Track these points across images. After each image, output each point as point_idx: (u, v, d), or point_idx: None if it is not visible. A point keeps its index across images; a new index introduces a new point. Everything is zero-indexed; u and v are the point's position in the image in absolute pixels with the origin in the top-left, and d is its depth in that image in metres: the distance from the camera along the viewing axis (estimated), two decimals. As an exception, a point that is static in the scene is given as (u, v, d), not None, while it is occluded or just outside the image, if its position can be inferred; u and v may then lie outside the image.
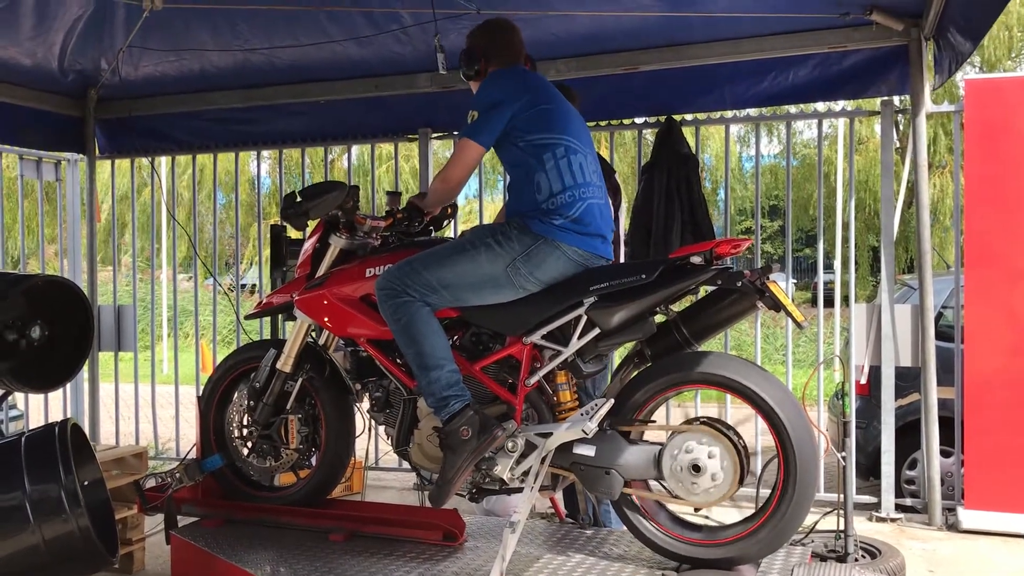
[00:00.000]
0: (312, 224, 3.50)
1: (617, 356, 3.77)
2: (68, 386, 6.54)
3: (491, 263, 3.08)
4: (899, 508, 5.32)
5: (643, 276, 2.95)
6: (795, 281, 23.76)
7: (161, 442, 7.10)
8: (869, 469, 5.66)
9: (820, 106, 5.57)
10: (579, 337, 3.05)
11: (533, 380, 3.12)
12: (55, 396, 6.62)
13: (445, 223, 3.73)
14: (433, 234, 3.68)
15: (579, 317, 3.04)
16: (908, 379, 5.46)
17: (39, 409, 6.72)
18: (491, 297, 3.13)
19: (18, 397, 6.62)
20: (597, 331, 3.03)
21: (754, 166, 20.60)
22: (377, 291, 3.16)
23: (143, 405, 6.84)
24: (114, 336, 6.66)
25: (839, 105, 5.51)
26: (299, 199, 3.18)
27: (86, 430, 6.58)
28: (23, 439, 3.03)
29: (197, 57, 5.80)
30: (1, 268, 6.56)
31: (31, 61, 5.66)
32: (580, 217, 3.10)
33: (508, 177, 3.37)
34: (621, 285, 2.98)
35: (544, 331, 3.09)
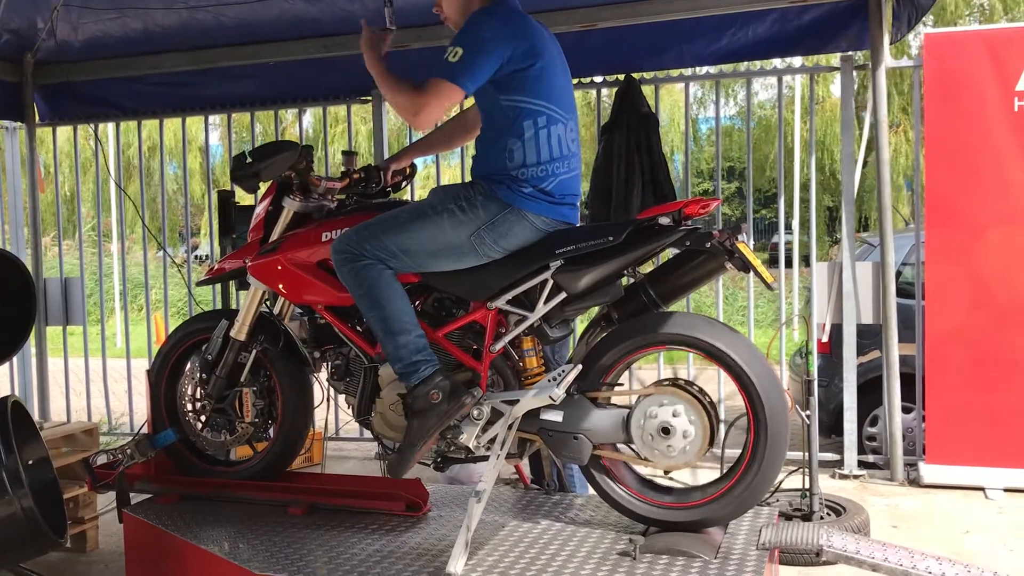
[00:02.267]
0: (264, 187, 3.37)
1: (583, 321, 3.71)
2: (15, 362, 6.36)
3: (454, 230, 2.95)
4: (861, 465, 5.36)
5: (610, 238, 2.87)
6: (754, 242, 23.99)
7: (114, 417, 6.93)
8: (831, 427, 5.69)
9: (779, 63, 5.51)
10: (545, 302, 2.96)
11: (498, 346, 3.03)
12: (1, 372, 6.42)
13: (403, 184, 3.61)
14: (391, 196, 3.57)
15: (545, 281, 2.95)
16: (869, 336, 5.48)
17: (-16, 386, 6.51)
18: (454, 264, 3.01)
19: (-39, 374, 6.42)
20: (564, 295, 2.95)
21: (712, 127, 20.80)
22: (334, 255, 3.03)
23: (94, 380, 6.66)
24: (61, 310, 6.46)
25: (799, 62, 5.46)
26: (249, 160, 3.04)
27: (35, 407, 6.42)
28: (-40, 418, 2.88)
29: (140, 16, 5.58)
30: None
31: (-41, 22, 5.41)
32: (551, 190, 2.98)
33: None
34: (588, 248, 2.89)
35: (509, 296, 3.00)
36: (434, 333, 3.08)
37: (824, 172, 13.95)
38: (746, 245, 2.85)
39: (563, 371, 2.91)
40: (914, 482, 5.11)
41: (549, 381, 2.91)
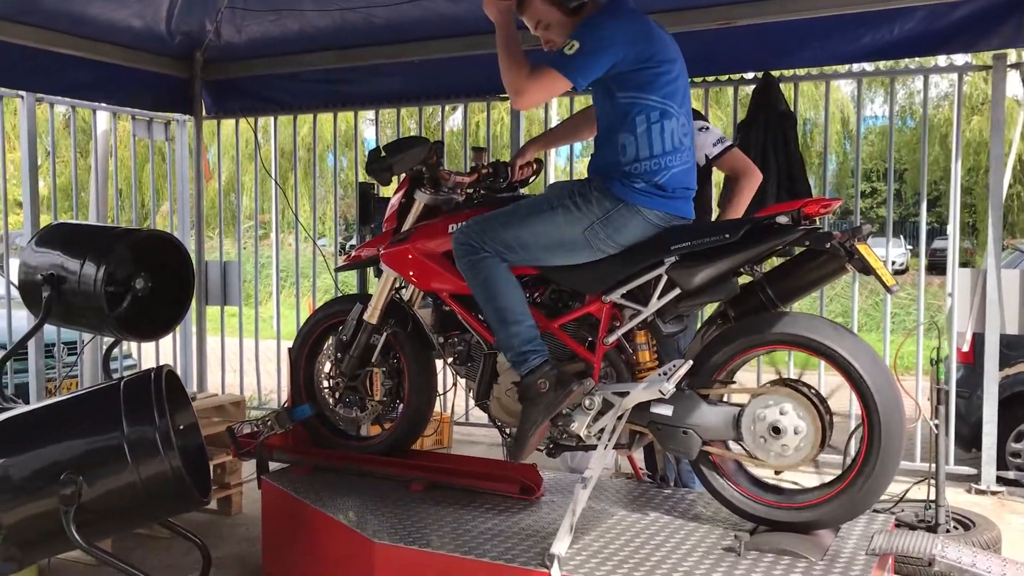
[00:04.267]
0: (398, 180, 3.56)
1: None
2: (177, 338, 6.88)
3: (569, 225, 3.02)
4: (1002, 481, 5.12)
5: (727, 236, 2.88)
6: (910, 248, 22.84)
7: (264, 393, 7.38)
8: (971, 440, 5.45)
9: (925, 61, 5.30)
10: (659, 297, 3.01)
11: (612, 339, 3.10)
12: (166, 348, 6.95)
13: (531, 179, 3.73)
14: (519, 191, 3.69)
15: (659, 277, 2.99)
16: (1017, 348, 5.23)
17: (152, 360, 7.06)
18: (568, 258, 3.09)
19: (132, 347, 6.99)
20: (677, 291, 2.99)
21: (868, 126, 20.00)
22: (454, 247, 3.17)
23: (248, 358, 7.10)
24: (220, 291, 6.93)
25: (945, 60, 5.24)
26: (383, 154, 3.23)
27: (193, 380, 6.92)
28: (122, 384, 3.19)
29: (296, 18, 5.93)
30: (116, 224, 6.90)
31: (141, 23, 5.89)
32: (664, 183, 3.01)
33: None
34: (703, 245, 2.91)
35: (624, 290, 3.06)
36: (550, 324, 3.17)
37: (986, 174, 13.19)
38: (867, 247, 2.82)
39: (674, 366, 2.95)
40: (1059, 502, 4.85)
41: (660, 375, 2.96)
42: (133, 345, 6.88)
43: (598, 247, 3.04)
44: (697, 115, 3.97)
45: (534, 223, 3.07)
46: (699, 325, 3.37)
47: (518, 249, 3.09)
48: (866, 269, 2.81)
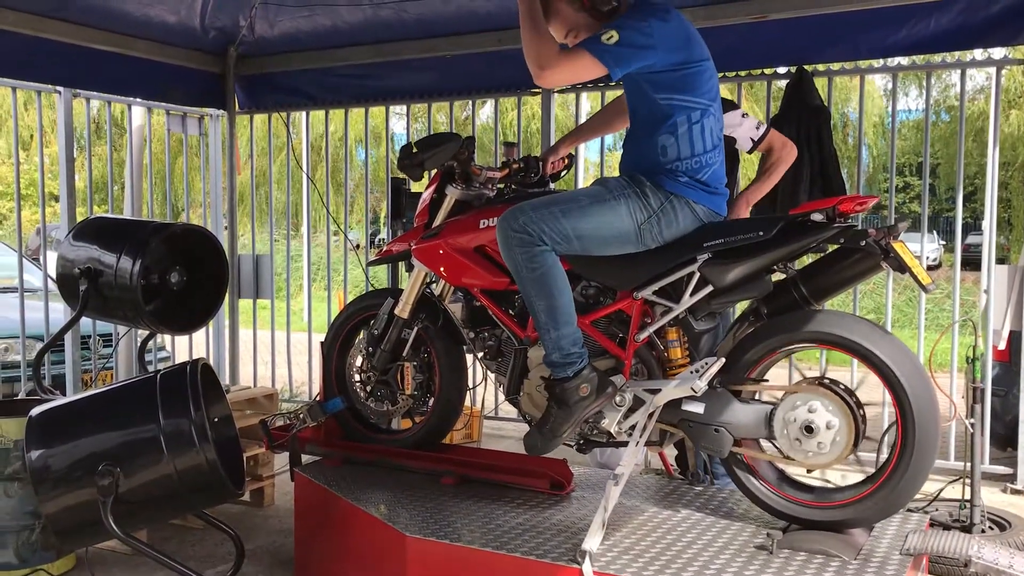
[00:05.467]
0: (429, 175, 3.57)
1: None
2: (211, 331, 6.95)
3: (630, 216, 2.97)
4: (1038, 481, 5.06)
5: (760, 233, 2.87)
6: (943, 243, 22.56)
7: (295, 386, 7.44)
8: (1007, 439, 5.38)
9: (962, 55, 5.23)
10: (691, 294, 3.00)
11: (643, 336, 3.10)
12: (199, 340, 7.03)
13: (563, 174, 3.73)
14: (550, 186, 3.69)
15: (692, 274, 2.98)
16: (1056, 346, 5.14)
17: (185, 352, 7.14)
18: (616, 251, 3.04)
19: (166, 339, 7.07)
20: (710, 288, 2.98)
21: (901, 120, 19.74)
22: (504, 235, 3.01)
23: (280, 351, 7.16)
24: (252, 284, 6.99)
25: (982, 53, 5.16)
26: (415, 150, 3.24)
27: (226, 373, 6.99)
28: (158, 376, 3.24)
29: (328, 13, 5.96)
30: (151, 218, 6.98)
31: (175, 19, 5.95)
32: (707, 180, 3.01)
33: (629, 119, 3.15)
34: (737, 242, 2.90)
35: (656, 287, 3.06)
36: (582, 320, 3.16)
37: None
38: (903, 244, 2.79)
39: (706, 363, 2.94)
40: (1097, 503, 4.78)
41: (692, 372, 2.95)
42: (167, 337, 6.96)
43: (646, 241, 3.01)
44: (732, 104, 3.98)
45: (597, 213, 2.98)
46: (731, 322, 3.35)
47: (574, 240, 2.99)
48: (901, 267, 2.78)
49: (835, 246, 2.93)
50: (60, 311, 5.29)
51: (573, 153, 3.78)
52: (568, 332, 2.99)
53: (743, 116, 4.03)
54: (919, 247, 5.58)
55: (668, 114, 2.97)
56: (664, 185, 2.98)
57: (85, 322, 5.02)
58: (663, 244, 3.03)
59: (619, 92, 3.38)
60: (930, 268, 18.23)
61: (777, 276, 3.02)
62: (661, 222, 2.99)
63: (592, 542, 2.80)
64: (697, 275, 2.98)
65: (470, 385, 4.04)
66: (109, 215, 6.16)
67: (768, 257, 2.89)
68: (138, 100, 6.51)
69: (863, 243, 2.79)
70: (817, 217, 2.85)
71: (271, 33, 6.34)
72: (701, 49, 3.03)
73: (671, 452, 4.12)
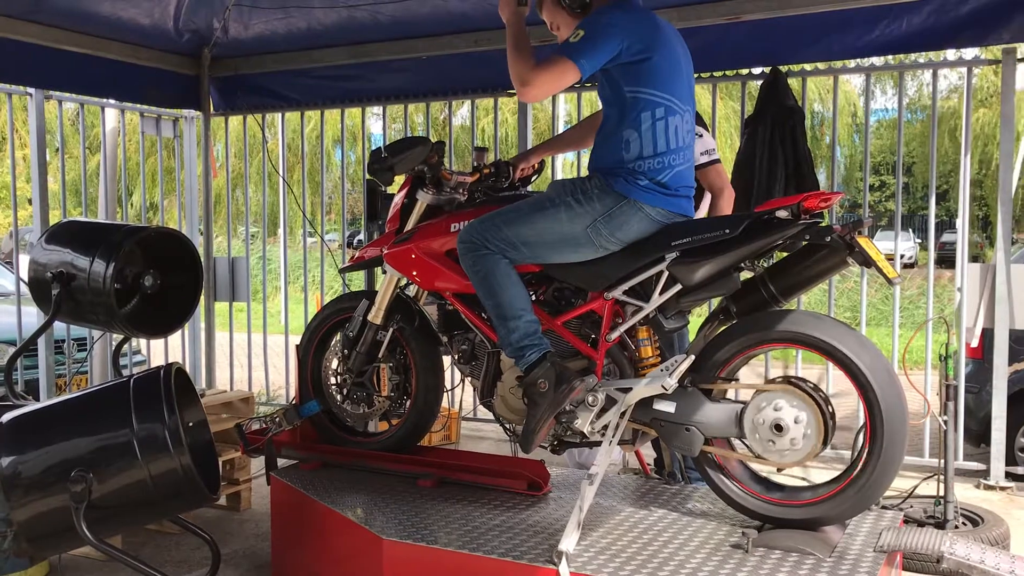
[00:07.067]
0: (401, 179, 3.57)
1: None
2: (187, 334, 6.91)
3: (571, 223, 3.04)
4: (1011, 477, 5.11)
5: (727, 231, 2.89)
6: (919, 241, 22.72)
7: (272, 389, 7.42)
8: (980, 436, 5.43)
9: (934, 55, 5.28)
10: (660, 293, 3.02)
11: (614, 335, 3.11)
12: (175, 344, 6.99)
13: (533, 179, 3.73)
14: (521, 190, 3.69)
15: (660, 273, 3.00)
16: (1025, 343, 5.21)
17: (161, 356, 7.10)
18: (571, 256, 3.11)
19: (141, 343, 7.02)
20: (679, 287, 3.00)
21: (878, 119, 19.89)
22: (458, 244, 3.19)
23: (256, 353, 7.13)
24: (228, 287, 6.96)
25: (954, 54, 5.22)
26: (385, 154, 3.24)
27: (202, 377, 6.96)
28: (132, 381, 3.22)
29: (303, 14, 5.94)
30: (124, 221, 6.93)
31: (149, 21, 5.92)
32: (667, 182, 3.03)
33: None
34: (704, 240, 2.92)
35: (626, 287, 3.08)
36: (553, 322, 3.18)
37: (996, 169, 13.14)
38: (868, 240, 2.82)
39: (676, 361, 2.95)
40: (1068, 498, 4.84)
41: (662, 371, 2.97)
42: (142, 341, 6.91)
43: (600, 244, 3.05)
44: (699, 118, 3.97)
45: (537, 221, 3.08)
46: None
47: (521, 247, 3.11)
48: (867, 262, 2.81)
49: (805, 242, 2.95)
50: (33, 315, 5.24)
51: (545, 159, 3.78)
52: (515, 326, 3.06)
53: (699, 136, 3.95)
54: (894, 245, 5.64)
55: (633, 108, 3.00)
56: (617, 188, 3.01)
57: (59, 326, 4.98)
58: (627, 245, 3.05)
59: (594, 92, 3.40)
60: (906, 266, 18.40)
61: (745, 274, 3.04)
62: (611, 225, 3.02)
63: (568, 542, 2.81)
64: (666, 274, 3.00)
65: (448, 386, 4.04)
66: (82, 218, 6.11)
67: (735, 255, 2.91)
68: (111, 102, 6.47)
69: (828, 239, 2.82)
70: (782, 214, 2.86)
71: (246, 35, 6.32)
72: (671, 44, 3.06)
73: (649, 453, 4.14)
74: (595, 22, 2.98)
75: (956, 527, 4.02)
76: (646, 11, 3.07)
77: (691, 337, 3.45)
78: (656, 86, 2.99)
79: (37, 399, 5.24)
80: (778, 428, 2.87)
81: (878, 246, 2.89)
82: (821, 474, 4.62)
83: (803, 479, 3.99)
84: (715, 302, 3.17)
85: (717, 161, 4.12)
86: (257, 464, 4.44)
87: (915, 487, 4.27)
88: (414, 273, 3.48)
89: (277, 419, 3.82)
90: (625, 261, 3.05)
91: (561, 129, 6.28)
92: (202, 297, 4.61)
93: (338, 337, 3.86)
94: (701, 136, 4.02)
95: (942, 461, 4.04)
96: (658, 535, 3.04)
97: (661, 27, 3.07)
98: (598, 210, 3.02)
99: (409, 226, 3.55)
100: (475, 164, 3.51)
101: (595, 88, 3.17)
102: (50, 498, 3.06)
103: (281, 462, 3.91)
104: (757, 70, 5.54)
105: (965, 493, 4.83)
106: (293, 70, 6.63)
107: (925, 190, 18.88)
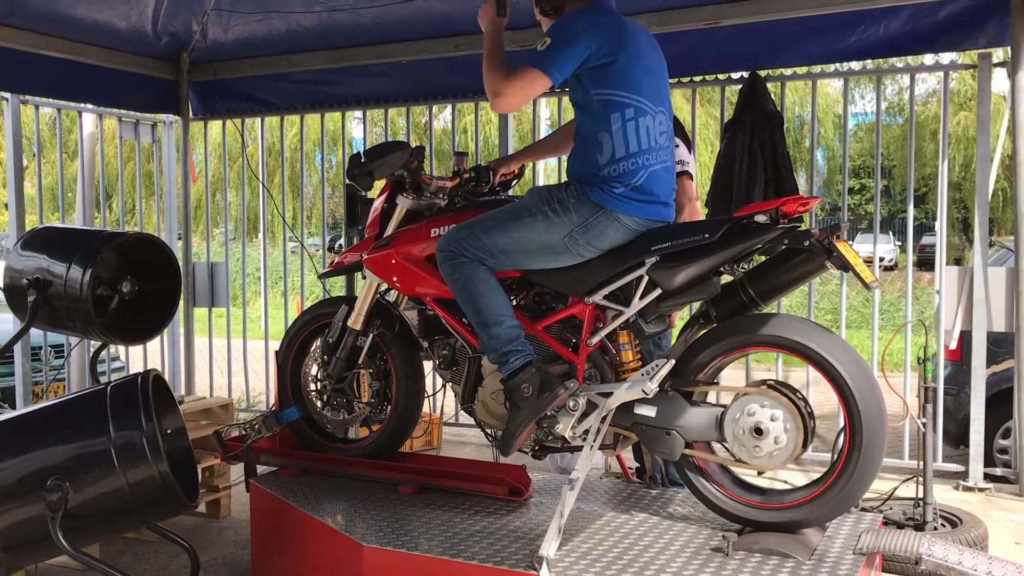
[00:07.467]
0: (380, 184, 3.55)
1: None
2: (166, 340, 6.86)
3: (548, 232, 3.04)
4: (989, 478, 5.15)
5: (706, 235, 2.90)
6: (899, 244, 22.87)
7: (252, 395, 7.37)
8: (959, 437, 5.48)
9: (912, 60, 5.33)
10: (641, 297, 3.02)
11: (595, 340, 3.11)
12: (154, 349, 6.94)
13: (513, 183, 3.73)
14: (502, 195, 3.69)
15: (640, 277, 3.01)
16: (1003, 345, 5.25)
17: (140, 363, 7.04)
18: (550, 263, 3.11)
19: (119, 350, 6.96)
20: (659, 291, 3.00)
21: (858, 122, 20.04)
22: (436, 253, 3.18)
23: (236, 359, 7.09)
24: (208, 292, 6.91)
25: (931, 59, 5.27)
26: (363, 159, 3.23)
27: (181, 383, 6.91)
28: (109, 388, 3.18)
29: (283, 18, 5.91)
30: (103, 227, 6.87)
31: (126, 24, 5.87)
32: (642, 185, 3.03)
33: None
34: (683, 245, 2.93)
35: (606, 291, 3.08)
36: (534, 326, 3.18)
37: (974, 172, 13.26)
38: (846, 244, 2.83)
39: (656, 365, 2.96)
40: (1045, 499, 4.88)
41: (642, 375, 2.97)
42: (121, 348, 6.86)
43: (578, 252, 3.06)
44: (679, 126, 3.96)
45: (514, 229, 3.08)
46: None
47: (499, 255, 3.11)
48: (845, 266, 2.83)
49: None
50: (9, 322, 5.19)
51: (523, 164, 3.78)
52: (497, 332, 3.06)
53: (676, 146, 3.97)
54: (873, 248, 5.67)
55: (603, 110, 3.02)
56: (593, 197, 3.01)
57: (36, 333, 4.94)
58: (605, 252, 3.06)
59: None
60: (886, 269, 18.52)
61: (725, 278, 3.05)
62: (588, 235, 3.02)
63: (549, 548, 2.80)
64: (646, 278, 3.00)
65: (429, 391, 4.02)
66: (59, 224, 6.06)
67: (714, 259, 2.92)
68: (89, 107, 6.42)
69: (806, 243, 2.83)
70: (761, 219, 2.88)
71: (225, 38, 6.28)
72: (639, 46, 3.07)
73: (631, 457, 4.14)
74: (561, 28, 3.02)
75: (935, 529, 4.04)
76: (613, 13, 3.11)
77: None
78: (623, 87, 3.01)
79: (13, 407, 5.18)
80: (758, 431, 2.88)
81: (859, 249, 2.91)
82: (801, 477, 4.64)
83: (783, 482, 3.99)
84: (696, 306, 3.16)
85: (686, 175, 4.09)
86: (236, 471, 4.40)
87: (894, 489, 4.28)
88: (394, 278, 3.46)
89: (256, 426, 3.78)
90: (605, 266, 3.06)
91: (543, 132, 6.27)
92: (181, 303, 4.57)
93: (318, 343, 3.84)
94: (678, 147, 4.01)
95: (921, 463, 4.06)
96: (639, 539, 3.04)
97: (628, 28, 3.08)
98: (575, 220, 3.02)
99: (389, 231, 3.53)
100: (455, 169, 3.50)
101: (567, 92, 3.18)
102: (26, 507, 3.02)
103: (261, 469, 3.89)
104: (736, 75, 5.56)
105: (944, 495, 4.85)
106: (273, 74, 6.61)
107: (905, 193, 19.05)
